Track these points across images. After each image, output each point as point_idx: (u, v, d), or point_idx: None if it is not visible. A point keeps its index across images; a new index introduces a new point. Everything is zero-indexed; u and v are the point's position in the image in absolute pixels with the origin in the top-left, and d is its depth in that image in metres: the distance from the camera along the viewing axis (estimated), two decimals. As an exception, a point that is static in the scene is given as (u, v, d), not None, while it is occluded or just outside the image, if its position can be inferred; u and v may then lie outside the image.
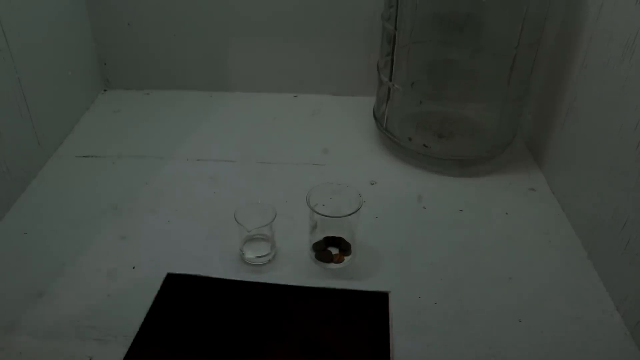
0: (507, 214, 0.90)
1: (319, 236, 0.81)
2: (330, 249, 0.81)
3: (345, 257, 0.80)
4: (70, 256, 0.81)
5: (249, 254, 0.80)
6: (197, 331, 0.71)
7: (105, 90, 1.26)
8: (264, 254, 0.80)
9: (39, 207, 0.91)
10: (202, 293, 0.76)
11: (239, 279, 0.78)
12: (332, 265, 0.79)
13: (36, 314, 0.72)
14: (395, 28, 0.94)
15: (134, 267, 0.79)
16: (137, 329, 0.70)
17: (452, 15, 0.97)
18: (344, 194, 0.79)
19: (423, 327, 0.71)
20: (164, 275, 0.77)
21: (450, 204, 0.92)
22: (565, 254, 0.83)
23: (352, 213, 0.75)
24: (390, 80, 0.99)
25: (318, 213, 0.75)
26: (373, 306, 0.74)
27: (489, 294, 0.76)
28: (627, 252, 0.71)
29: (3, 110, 0.88)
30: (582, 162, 0.85)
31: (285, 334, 0.70)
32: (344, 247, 0.80)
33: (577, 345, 0.69)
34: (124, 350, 0.67)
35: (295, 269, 0.79)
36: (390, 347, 0.68)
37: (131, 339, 0.69)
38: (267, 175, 0.99)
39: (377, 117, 1.08)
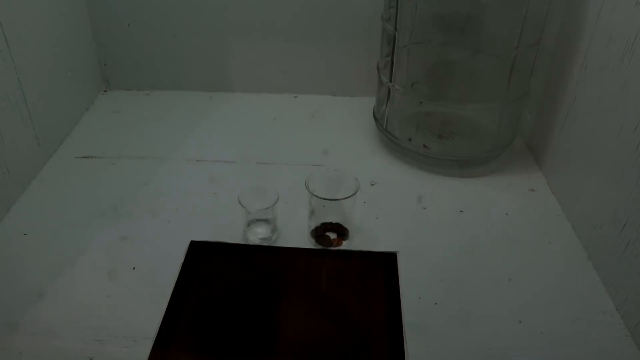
0: (507, 214, 0.90)
1: (317, 222, 0.83)
2: (329, 234, 0.83)
3: (343, 242, 0.83)
4: (70, 256, 0.81)
5: (252, 237, 0.82)
6: (220, 292, 0.75)
7: (105, 91, 1.26)
8: (265, 236, 0.82)
9: (39, 208, 0.91)
10: (223, 259, 0.81)
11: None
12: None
13: (36, 314, 0.72)
14: (395, 29, 0.94)
15: (134, 268, 0.79)
16: (136, 329, 0.70)
17: (452, 15, 0.97)
18: (342, 180, 0.81)
19: (423, 327, 0.71)
20: (164, 275, 0.77)
21: (450, 205, 0.92)
22: (565, 254, 0.83)
23: (349, 196, 0.77)
24: (390, 80, 0.99)
25: (316, 196, 0.77)
26: (383, 266, 0.79)
27: (489, 294, 0.76)
28: (627, 253, 0.71)
29: (3, 110, 0.88)
30: (582, 163, 0.85)
31: (303, 295, 0.74)
32: (342, 232, 0.83)
33: (577, 345, 0.69)
34: (124, 350, 0.67)
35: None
36: (402, 305, 0.72)
37: (131, 339, 0.69)
38: (267, 176, 0.99)
39: (377, 118, 1.08)
